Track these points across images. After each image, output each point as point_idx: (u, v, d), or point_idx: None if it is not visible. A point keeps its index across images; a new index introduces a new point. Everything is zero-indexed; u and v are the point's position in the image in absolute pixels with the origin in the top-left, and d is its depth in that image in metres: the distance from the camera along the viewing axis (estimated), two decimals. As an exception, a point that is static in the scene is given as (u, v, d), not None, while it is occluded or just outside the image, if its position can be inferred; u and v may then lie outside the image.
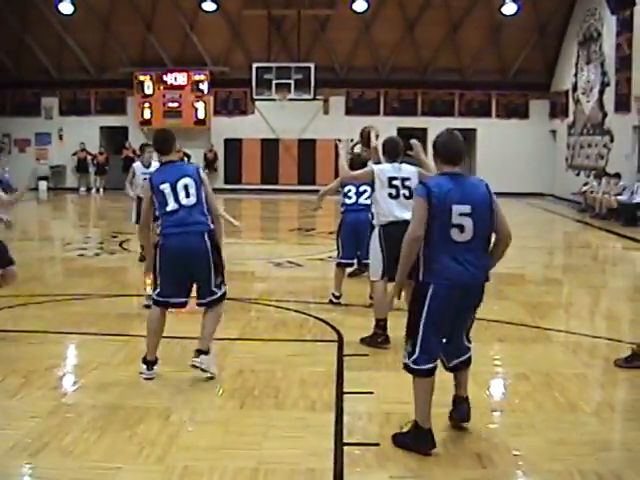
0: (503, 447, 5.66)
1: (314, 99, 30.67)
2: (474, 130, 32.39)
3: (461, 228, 5.47)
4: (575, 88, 29.40)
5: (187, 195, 6.99)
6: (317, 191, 11.92)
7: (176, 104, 32.45)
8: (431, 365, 5.57)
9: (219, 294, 7.17)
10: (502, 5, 29.18)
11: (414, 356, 5.57)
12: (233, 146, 32.96)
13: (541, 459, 5.47)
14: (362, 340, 8.40)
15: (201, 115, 32.57)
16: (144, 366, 7.13)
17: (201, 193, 7.09)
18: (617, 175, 23.81)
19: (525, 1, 29.05)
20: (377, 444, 5.65)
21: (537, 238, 19.39)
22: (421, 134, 32.06)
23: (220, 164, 33.02)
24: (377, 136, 9.84)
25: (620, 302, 12.04)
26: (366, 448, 5.59)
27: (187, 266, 7.02)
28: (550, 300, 11.24)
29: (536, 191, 31.32)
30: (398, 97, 32.64)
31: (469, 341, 5.90)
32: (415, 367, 5.58)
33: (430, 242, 5.49)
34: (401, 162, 8.57)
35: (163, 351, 7.35)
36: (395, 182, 8.36)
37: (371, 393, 6.88)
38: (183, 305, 7.24)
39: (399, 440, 5.66)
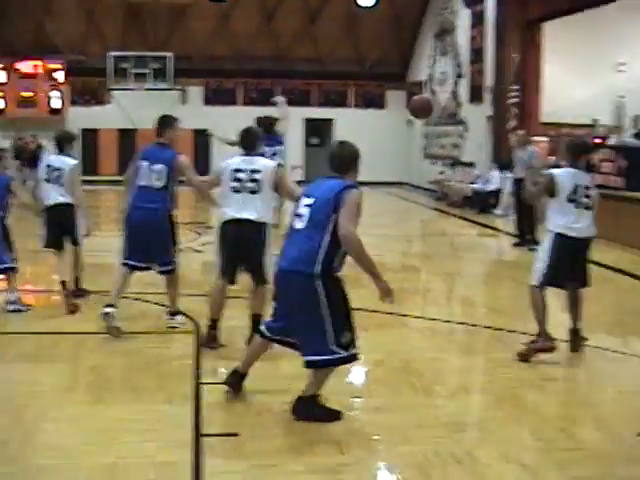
0: (361, 433, 5.75)
1: (172, 89, 30.36)
2: (331, 120, 32.69)
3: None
4: (431, 79, 29.99)
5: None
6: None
7: (30, 93, 31.49)
8: None
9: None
10: (359, -4, 29.51)
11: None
12: (90, 136, 32.26)
13: (398, 442, 5.58)
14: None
15: (56, 105, 31.61)
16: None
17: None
18: (471, 164, 24.47)
19: (382, -7, 29.44)
20: (236, 434, 5.65)
21: (395, 226, 19.76)
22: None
23: (77, 155, 32.18)
24: None
25: (475, 287, 12.39)
26: (225, 439, 5.60)
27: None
28: (407, 287, 11.42)
29: (394, 180, 31.78)
30: (256, 87, 32.59)
31: None
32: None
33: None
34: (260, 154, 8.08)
35: (19, 348, 7.17)
36: (240, 175, 7.70)
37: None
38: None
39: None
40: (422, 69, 31.05)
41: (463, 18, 26.38)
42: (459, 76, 26.96)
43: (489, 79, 23.93)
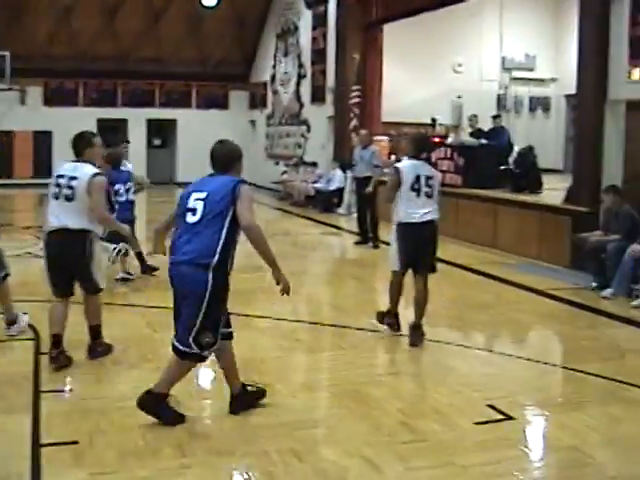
0: (203, 436, 5.73)
1: (10, 89, 29.44)
2: (175, 120, 32.41)
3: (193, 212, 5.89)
4: (273, 79, 30.10)
5: None
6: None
7: None
8: None
9: None
10: (202, -4, 29.31)
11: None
12: None
13: (241, 443, 5.59)
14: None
15: None
16: None
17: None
18: (314, 164, 24.69)
19: (224, -7, 29.33)
20: (76, 442, 5.53)
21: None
22: (121, 125, 31.77)
23: None
24: None
25: (319, 286, 12.49)
26: (65, 447, 5.47)
27: None
28: (252, 287, 11.41)
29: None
30: (98, 87, 31.95)
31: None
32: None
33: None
34: None
35: None
36: (60, 180, 7.39)
37: (71, 391, 6.76)
38: None
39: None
40: (265, 69, 31.12)
41: (305, 19, 26.59)
42: (301, 76, 27.17)
43: (331, 80, 24.19)
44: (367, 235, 15.86)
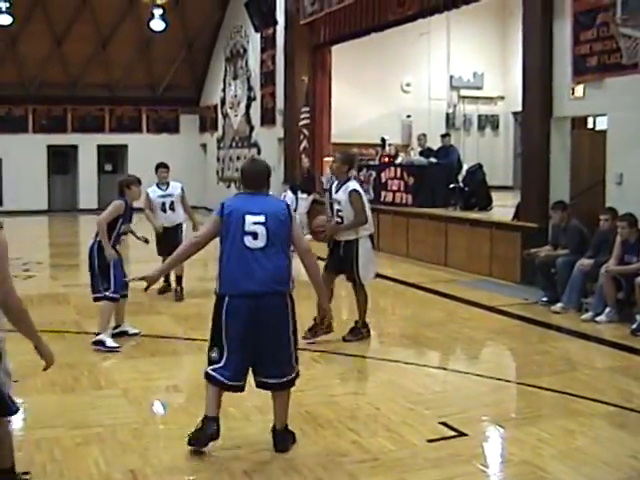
0: (156, 460, 5.68)
1: (-42, 116, 29.18)
2: (125, 146, 32.27)
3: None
4: (223, 103, 30.14)
5: None
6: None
7: None
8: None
9: None
10: (150, 20, 29.21)
11: None
12: None
13: (190, 467, 5.56)
14: None
15: None
16: None
17: None
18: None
19: (173, 18, 29.27)
20: (28, 472, 5.43)
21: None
22: (72, 151, 31.58)
23: None
24: None
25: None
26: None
27: None
28: (202, 312, 11.32)
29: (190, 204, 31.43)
30: (47, 114, 31.71)
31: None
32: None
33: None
34: None
35: None
36: None
37: (23, 420, 6.67)
38: None
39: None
40: (215, 93, 31.17)
41: (254, 42, 26.65)
42: (251, 99, 27.20)
43: (280, 102, 24.25)
44: None
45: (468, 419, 6.61)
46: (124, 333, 9.48)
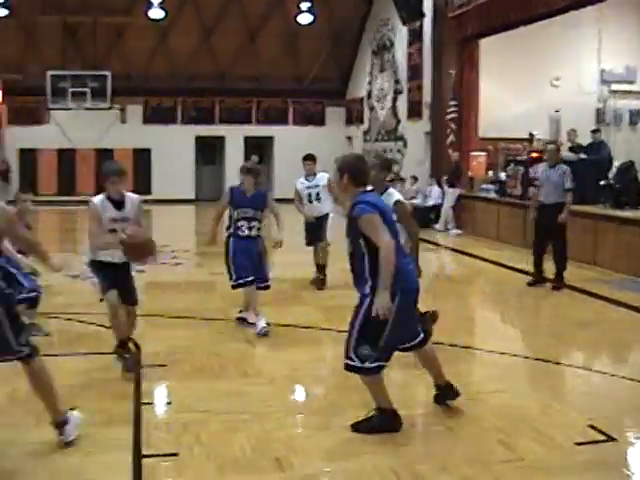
0: (302, 451, 5.73)
1: (111, 108, 30.10)
2: (271, 137, 32.73)
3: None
4: (369, 95, 30.18)
5: None
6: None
7: (-34, 113, 30.96)
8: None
9: None
10: (298, 14, 29.61)
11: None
12: (28, 156, 31.85)
13: (341, 457, 5.60)
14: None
15: (-8, 124, 31.20)
16: None
17: None
18: (415, 178, 24.41)
19: (320, 11, 29.57)
20: (176, 454, 5.61)
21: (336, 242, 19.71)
22: (219, 142, 32.20)
23: (15, 175, 31.71)
24: None
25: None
26: (165, 459, 5.54)
27: None
28: (345, 303, 11.36)
29: (334, 196, 31.66)
30: (195, 105, 32.50)
31: None
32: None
33: None
34: None
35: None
36: None
37: (169, 403, 6.85)
38: None
39: (364, 427, 6.02)
40: (361, 86, 31.24)
41: (401, 35, 26.60)
42: (397, 92, 27.17)
43: (427, 95, 24.14)
44: (542, 274, 13.16)
45: (618, 423, 6.43)
46: (244, 320, 9.76)
